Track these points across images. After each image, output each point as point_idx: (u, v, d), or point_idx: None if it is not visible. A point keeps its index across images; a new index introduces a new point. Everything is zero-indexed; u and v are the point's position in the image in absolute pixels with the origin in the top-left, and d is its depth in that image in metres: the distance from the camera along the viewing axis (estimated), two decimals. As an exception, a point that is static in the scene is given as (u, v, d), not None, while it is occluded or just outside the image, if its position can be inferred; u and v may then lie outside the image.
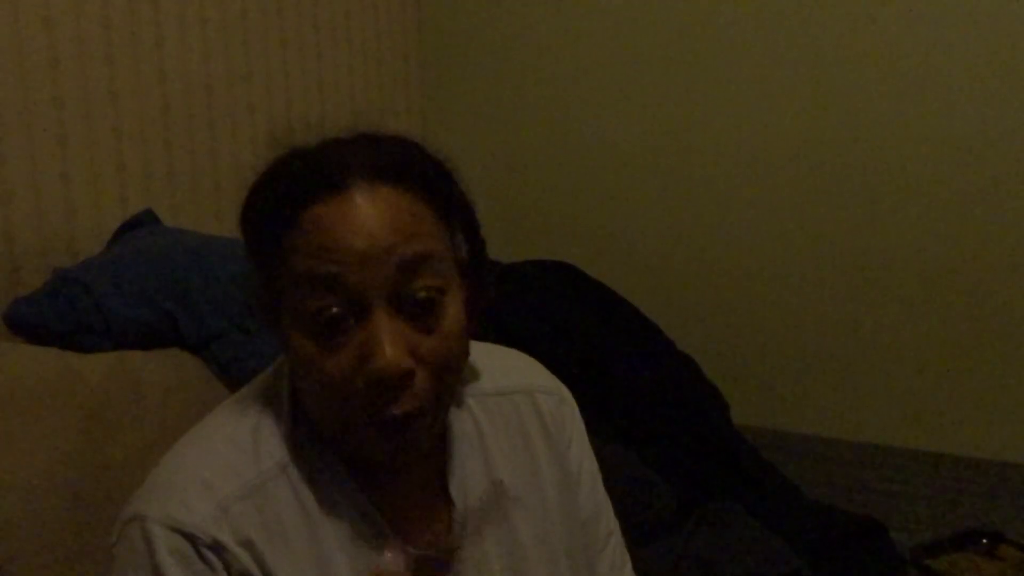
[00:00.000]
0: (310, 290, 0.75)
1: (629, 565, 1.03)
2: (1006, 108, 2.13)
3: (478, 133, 2.73)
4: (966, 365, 2.25)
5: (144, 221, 1.84)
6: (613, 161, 2.59)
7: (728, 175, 2.45)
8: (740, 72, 2.40)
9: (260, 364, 1.58)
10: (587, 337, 2.02)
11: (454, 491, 0.88)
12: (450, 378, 0.80)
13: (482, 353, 0.94)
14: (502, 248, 1.96)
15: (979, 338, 2.23)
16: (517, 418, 0.95)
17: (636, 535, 1.06)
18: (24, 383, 1.35)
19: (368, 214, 0.75)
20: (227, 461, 0.79)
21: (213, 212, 2.14)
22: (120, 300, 1.58)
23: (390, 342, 0.73)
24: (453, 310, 0.79)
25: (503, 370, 0.96)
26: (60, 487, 1.32)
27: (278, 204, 0.78)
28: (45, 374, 1.38)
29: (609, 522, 1.01)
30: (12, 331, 1.58)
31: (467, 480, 0.89)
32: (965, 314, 2.24)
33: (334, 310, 0.74)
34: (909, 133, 2.23)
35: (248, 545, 0.77)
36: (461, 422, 0.91)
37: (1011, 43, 2.11)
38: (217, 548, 0.75)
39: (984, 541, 1.77)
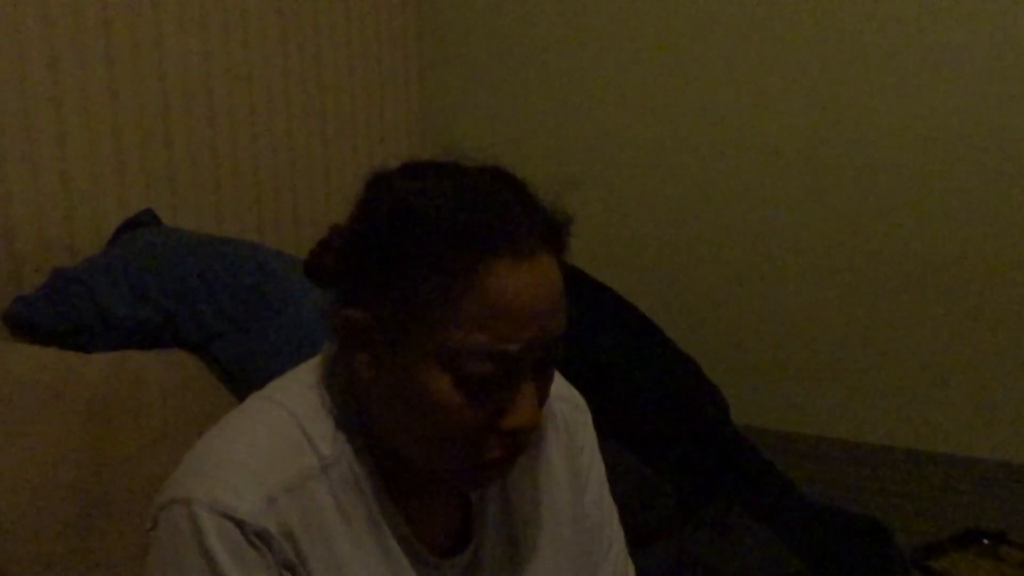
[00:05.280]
0: (480, 356, 0.76)
1: (632, 574, 1.04)
2: (1010, 107, 2.13)
3: (478, 133, 2.73)
4: (965, 365, 2.25)
5: (144, 221, 1.84)
6: (613, 161, 2.59)
7: (729, 175, 2.45)
8: (740, 72, 2.40)
9: (260, 364, 1.59)
10: (588, 337, 2.01)
11: (472, 497, 0.90)
12: None
13: None
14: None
15: (979, 338, 2.23)
16: None
17: (636, 536, 1.07)
18: (24, 383, 1.35)
19: (547, 291, 0.78)
20: (273, 453, 0.79)
21: (213, 212, 2.14)
22: (120, 300, 1.58)
23: (532, 404, 0.79)
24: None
25: None
26: (60, 487, 1.32)
27: (457, 251, 0.75)
28: (45, 374, 1.38)
29: (613, 531, 1.02)
30: (12, 331, 1.58)
31: (486, 488, 0.91)
32: (965, 314, 2.24)
33: (496, 375, 0.77)
34: (910, 133, 2.23)
35: (290, 538, 0.77)
36: None
37: (1013, 42, 2.11)
38: (264, 536, 0.75)
39: (984, 541, 1.77)
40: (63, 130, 1.80)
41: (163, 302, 1.59)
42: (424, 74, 2.80)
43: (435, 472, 0.82)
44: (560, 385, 1.01)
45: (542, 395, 0.82)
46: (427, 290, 0.76)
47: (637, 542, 1.06)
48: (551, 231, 0.81)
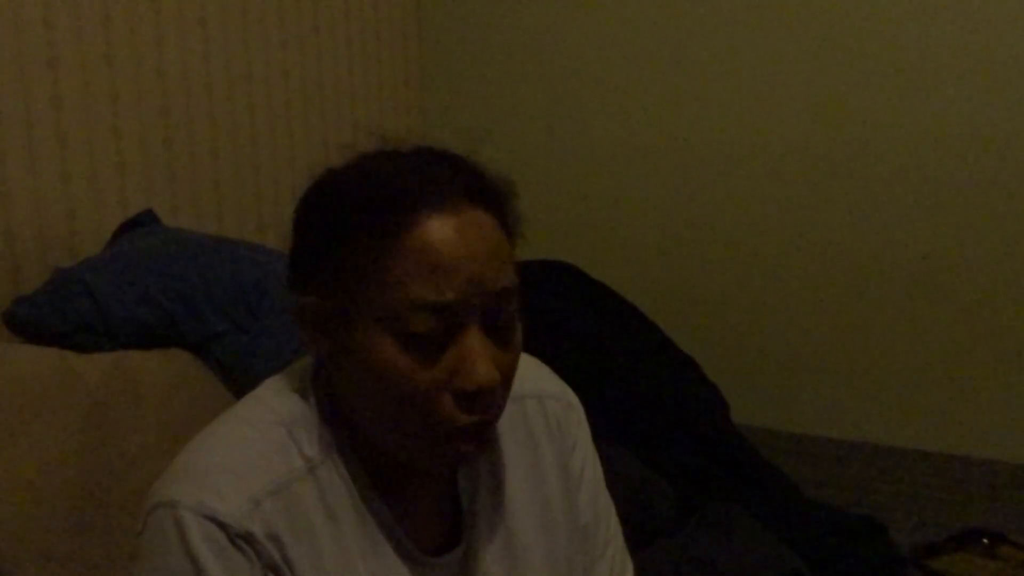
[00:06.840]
0: (417, 310, 0.76)
1: (630, 573, 1.03)
2: (1010, 107, 2.13)
3: (477, 133, 2.73)
4: (966, 365, 2.25)
5: (144, 221, 1.84)
6: (613, 161, 2.59)
7: (729, 175, 2.45)
8: (741, 72, 2.40)
9: (260, 364, 1.59)
10: (587, 337, 2.01)
11: (462, 495, 0.90)
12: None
13: None
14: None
15: (979, 338, 2.23)
16: (525, 423, 0.95)
17: (636, 536, 1.06)
18: (24, 383, 1.35)
19: (477, 239, 0.78)
20: (259, 456, 0.80)
21: (213, 212, 2.14)
22: (120, 300, 1.58)
23: (484, 360, 0.78)
24: (519, 330, 0.84)
25: None
26: (59, 486, 1.32)
27: (380, 214, 0.78)
28: (45, 374, 1.38)
29: (609, 530, 1.01)
30: (12, 331, 1.58)
31: (475, 484, 0.91)
32: (965, 314, 2.24)
33: (437, 331, 0.77)
34: (910, 133, 2.23)
35: (275, 540, 0.77)
36: None
37: (1012, 41, 2.11)
38: (248, 539, 0.76)
39: (984, 541, 1.77)
40: (63, 130, 1.80)
41: (163, 302, 1.59)
42: (424, 74, 2.80)
43: (407, 451, 0.81)
44: (551, 383, 1.00)
45: (504, 362, 0.80)
46: (359, 258, 0.78)
47: (637, 542, 1.06)
48: (481, 190, 0.82)
